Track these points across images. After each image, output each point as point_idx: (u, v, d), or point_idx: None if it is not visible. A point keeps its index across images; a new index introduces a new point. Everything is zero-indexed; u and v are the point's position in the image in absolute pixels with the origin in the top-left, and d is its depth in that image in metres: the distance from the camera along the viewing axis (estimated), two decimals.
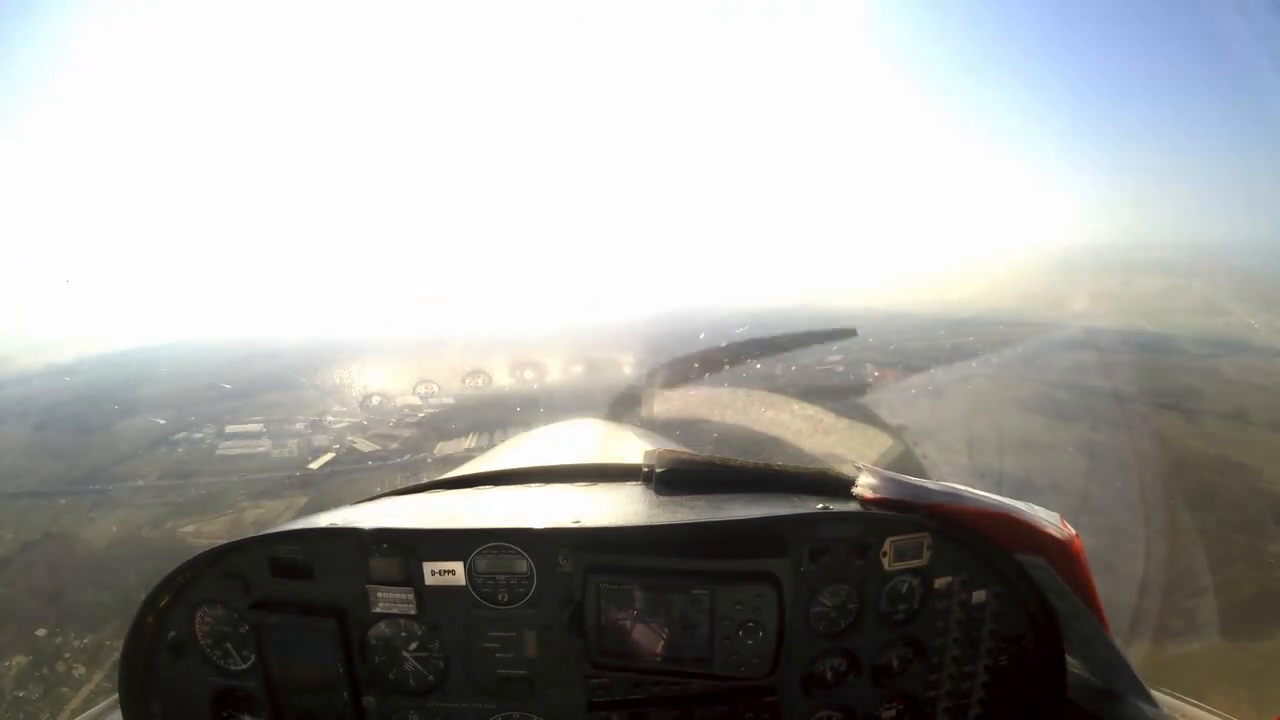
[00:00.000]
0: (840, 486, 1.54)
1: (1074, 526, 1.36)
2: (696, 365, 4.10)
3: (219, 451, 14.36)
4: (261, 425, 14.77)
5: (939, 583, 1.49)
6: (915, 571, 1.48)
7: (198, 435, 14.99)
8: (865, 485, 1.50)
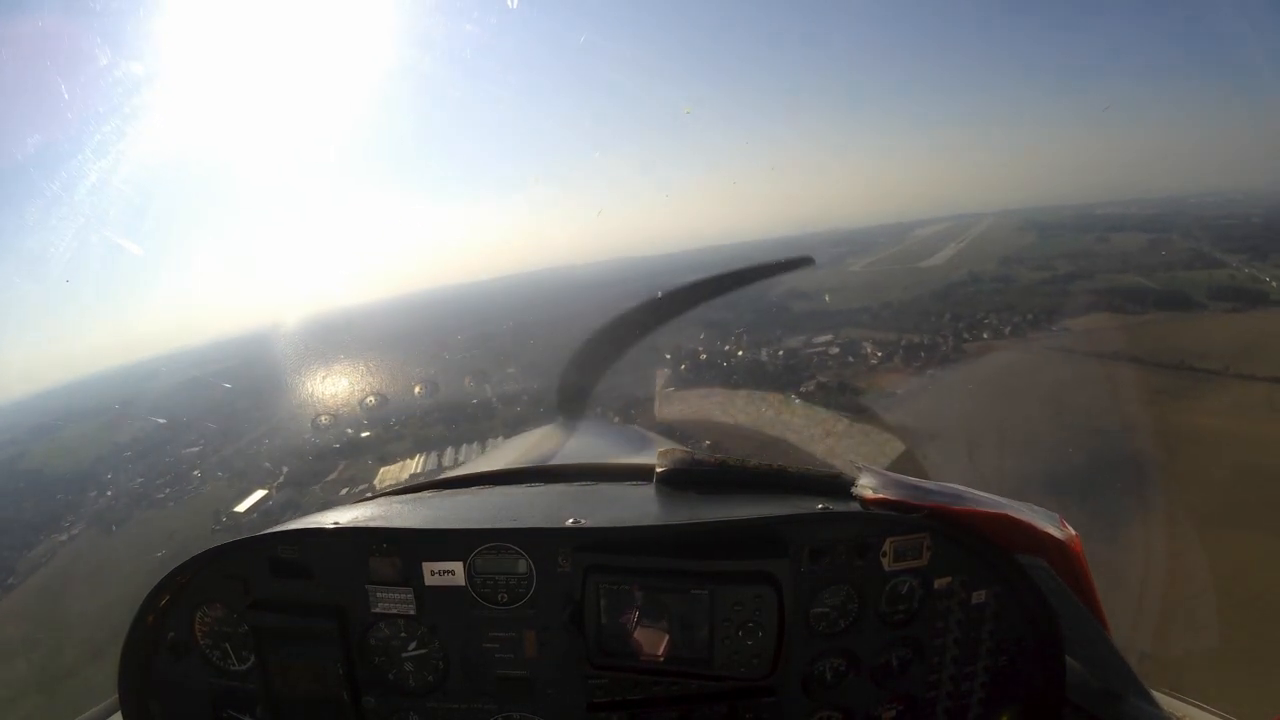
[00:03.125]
0: (840, 486, 1.54)
1: None
2: (615, 335, 3.34)
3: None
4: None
5: (939, 583, 1.49)
6: (915, 572, 1.48)
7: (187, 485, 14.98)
8: (865, 485, 1.49)
